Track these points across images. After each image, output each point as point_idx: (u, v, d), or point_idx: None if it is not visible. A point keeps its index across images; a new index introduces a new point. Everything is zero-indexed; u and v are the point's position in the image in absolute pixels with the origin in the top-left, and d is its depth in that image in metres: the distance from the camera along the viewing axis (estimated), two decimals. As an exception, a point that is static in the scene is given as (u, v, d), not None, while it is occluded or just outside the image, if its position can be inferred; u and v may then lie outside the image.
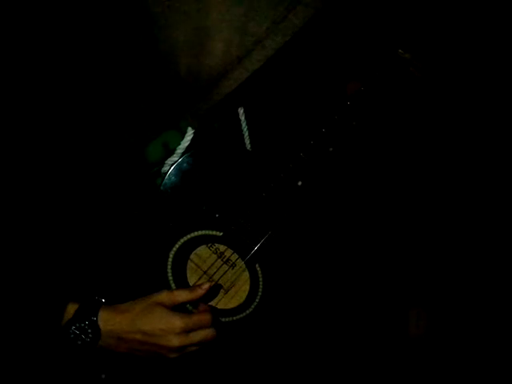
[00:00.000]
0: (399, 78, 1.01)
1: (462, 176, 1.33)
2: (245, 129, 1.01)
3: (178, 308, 0.91)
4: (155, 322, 0.86)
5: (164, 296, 0.89)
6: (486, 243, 1.27)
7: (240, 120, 0.99)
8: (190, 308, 0.95)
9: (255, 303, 1.03)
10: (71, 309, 0.86)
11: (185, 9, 0.70)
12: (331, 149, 1.00)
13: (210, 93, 0.81)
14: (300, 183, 0.99)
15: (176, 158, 0.93)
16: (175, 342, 0.86)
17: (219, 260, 1.02)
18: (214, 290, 1.00)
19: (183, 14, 0.69)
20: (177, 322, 0.86)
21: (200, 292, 0.91)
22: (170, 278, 0.99)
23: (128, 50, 0.79)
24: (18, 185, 0.87)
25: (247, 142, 1.00)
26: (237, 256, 1.02)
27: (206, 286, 0.92)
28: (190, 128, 0.93)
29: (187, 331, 0.87)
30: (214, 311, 0.96)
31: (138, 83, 0.85)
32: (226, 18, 0.70)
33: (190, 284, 1.00)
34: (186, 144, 0.92)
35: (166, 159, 0.95)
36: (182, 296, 0.90)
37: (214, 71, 0.74)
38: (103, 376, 0.96)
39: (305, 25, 0.72)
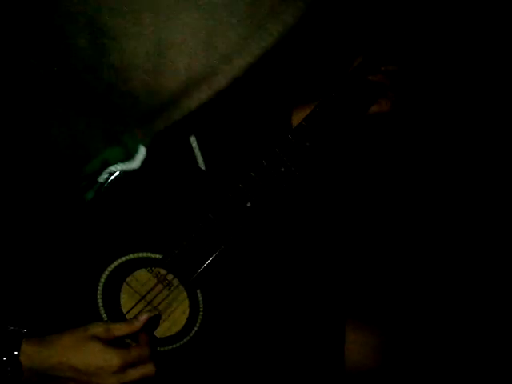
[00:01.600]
0: (361, 96, 0.98)
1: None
2: (196, 147, 0.95)
3: (114, 340, 0.82)
4: (89, 357, 0.76)
5: (99, 329, 0.79)
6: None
7: (189, 139, 0.92)
8: (128, 341, 0.86)
9: (194, 331, 0.96)
10: None
11: (145, 21, 0.62)
12: (283, 169, 0.95)
13: (168, 111, 0.74)
14: (249, 204, 0.94)
15: (115, 169, 0.84)
16: (112, 380, 0.77)
17: (160, 284, 0.94)
18: (153, 318, 0.92)
19: (142, 26, 0.61)
20: (114, 359, 0.77)
21: (137, 325, 0.83)
22: (100, 303, 0.90)
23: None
24: None
25: (200, 160, 0.93)
26: (177, 281, 0.95)
27: (144, 317, 0.84)
28: (141, 146, 0.84)
29: (125, 368, 0.79)
30: (153, 341, 0.88)
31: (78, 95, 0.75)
32: (193, 32, 0.64)
33: (124, 309, 0.92)
34: (139, 162, 0.83)
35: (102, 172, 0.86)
36: (119, 330, 0.81)
37: (175, 87, 0.67)
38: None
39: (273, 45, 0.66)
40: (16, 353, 0.75)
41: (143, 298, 0.93)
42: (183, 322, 0.96)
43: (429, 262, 1.38)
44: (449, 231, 1.41)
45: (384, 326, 1.11)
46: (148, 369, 0.81)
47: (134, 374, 0.79)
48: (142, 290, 0.94)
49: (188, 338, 0.95)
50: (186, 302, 0.96)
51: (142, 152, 0.81)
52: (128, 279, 0.92)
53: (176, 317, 0.96)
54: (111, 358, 0.77)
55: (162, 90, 0.70)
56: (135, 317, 0.85)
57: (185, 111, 0.70)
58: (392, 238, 1.37)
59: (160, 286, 0.94)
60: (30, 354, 0.76)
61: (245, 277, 1.01)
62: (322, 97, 0.97)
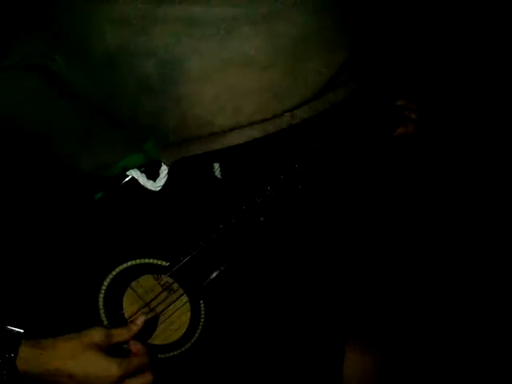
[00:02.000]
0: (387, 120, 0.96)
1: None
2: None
3: (112, 347, 0.80)
4: (89, 366, 0.74)
5: (100, 336, 0.78)
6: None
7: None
8: (126, 346, 0.84)
9: (195, 338, 0.94)
10: None
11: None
12: (300, 186, 0.93)
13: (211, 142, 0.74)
14: (262, 219, 0.91)
15: (135, 175, 0.81)
16: None
17: (164, 292, 0.92)
18: (152, 324, 0.90)
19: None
20: (114, 368, 0.75)
21: (135, 328, 0.82)
22: (101, 306, 0.88)
23: None
24: None
25: (216, 168, 0.90)
26: (181, 290, 0.92)
27: (141, 319, 0.83)
28: (164, 167, 0.84)
29: (124, 378, 0.77)
30: (152, 349, 0.86)
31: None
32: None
33: (126, 314, 0.89)
34: (162, 182, 0.81)
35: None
36: (119, 336, 0.80)
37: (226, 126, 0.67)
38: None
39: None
40: (12, 355, 0.73)
41: (147, 304, 0.91)
42: (184, 330, 0.94)
43: (430, 278, 1.37)
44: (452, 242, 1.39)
45: (382, 347, 1.10)
46: (146, 378, 0.80)
47: (133, 383, 0.78)
48: (147, 296, 0.91)
49: (189, 344, 0.93)
50: (188, 310, 0.94)
51: (164, 173, 0.80)
52: (133, 284, 0.90)
53: (177, 324, 0.94)
54: (111, 368, 0.75)
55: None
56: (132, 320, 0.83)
57: (225, 144, 0.70)
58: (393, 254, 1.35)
59: (164, 294, 0.92)
60: (28, 357, 0.73)
61: (247, 288, 0.99)
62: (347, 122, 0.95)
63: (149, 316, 0.89)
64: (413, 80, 0.97)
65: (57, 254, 0.84)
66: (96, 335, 0.77)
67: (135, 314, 0.89)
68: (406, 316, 1.27)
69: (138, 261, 0.88)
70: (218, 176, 0.93)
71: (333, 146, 0.93)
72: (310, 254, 1.07)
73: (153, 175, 0.82)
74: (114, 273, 0.87)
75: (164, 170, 0.81)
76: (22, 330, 0.75)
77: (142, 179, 0.80)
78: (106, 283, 0.87)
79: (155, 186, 0.81)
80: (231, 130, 0.71)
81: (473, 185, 1.33)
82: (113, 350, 0.80)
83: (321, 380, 1.04)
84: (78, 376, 0.74)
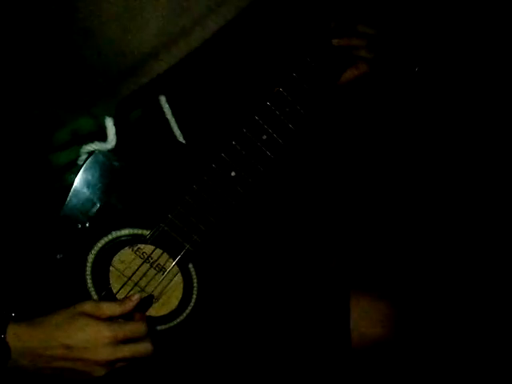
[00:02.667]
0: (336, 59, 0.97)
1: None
2: (171, 118, 0.93)
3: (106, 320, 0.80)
4: (79, 332, 0.74)
5: (89, 306, 0.78)
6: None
7: (163, 108, 0.90)
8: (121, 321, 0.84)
9: (190, 308, 0.94)
10: None
11: None
12: (265, 137, 0.94)
13: (135, 75, 0.72)
14: (233, 173, 0.92)
15: (92, 148, 0.82)
16: (103, 354, 0.74)
17: (146, 264, 0.92)
18: (145, 299, 0.89)
19: None
20: (104, 330, 0.75)
21: (130, 304, 0.80)
22: (90, 286, 0.88)
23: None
24: None
25: (177, 132, 0.92)
26: (166, 257, 0.92)
27: (136, 296, 0.82)
28: (108, 120, 0.83)
29: (117, 342, 0.76)
30: (149, 320, 0.86)
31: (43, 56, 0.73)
32: None
33: (114, 290, 0.89)
34: (112, 134, 0.81)
35: (78, 147, 0.84)
36: (109, 309, 0.79)
37: (144, 49, 0.66)
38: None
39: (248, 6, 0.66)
40: (2, 336, 0.72)
41: (129, 279, 0.91)
42: (176, 303, 0.93)
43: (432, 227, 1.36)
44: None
45: (388, 294, 1.08)
46: (143, 347, 0.79)
47: (127, 349, 0.77)
48: (128, 271, 0.91)
49: (182, 316, 0.92)
50: (181, 284, 0.94)
51: (111, 126, 0.80)
52: (113, 260, 0.90)
53: (169, 297, 0.94)
54: (101, 331, 0.75)
55: (130, 51, 0.69)
56: (127, 297, 0.83)
57: (153, 74, 0.69)
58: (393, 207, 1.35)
59: (146, 266, 0.92)
60: (18, 335, 0.73)
61: (240, 252, 0.99)
62: (297, 63, 0.96)
63: (144, 295, 0.88)
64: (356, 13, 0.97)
65: (38, 237, 0.84)
66: (85, 305, 0.78)
67: (121, 288, 0.89)
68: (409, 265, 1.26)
69: (116, 233, 0.89)
70: (181, 140, 0.94)
71: (288, 92, 0.94)
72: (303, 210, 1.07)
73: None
74: (96, 248, 0.87)
75: (111, 127, 0.81)
76: (11, 313, 0.76)
77: (94, 145, 0.81)
78: (90, 260, 0.87)
79: (108, 144, 0.81)
80: (147, 57, 0.68)
81: (472, 182, 1.34)
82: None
83: (329, 331, 1.02)
84: (69, 344, 0.74)
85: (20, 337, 0.73)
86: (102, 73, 0.74)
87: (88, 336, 0.74)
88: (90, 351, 0.74)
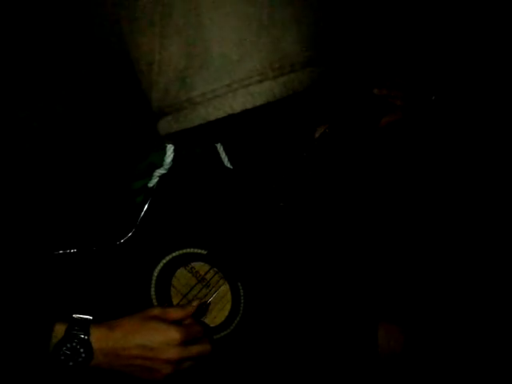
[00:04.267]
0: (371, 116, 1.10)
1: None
2: (221, 148, 1.05)
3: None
4: (153, 334, 0.84)
5: (158, 311, 0.88)
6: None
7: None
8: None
9: (236, 322, 1.04)
10: (59, 329, 0.82)
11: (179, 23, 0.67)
12: (310, 172, 1.06)
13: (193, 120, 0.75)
14: (282, 204, 1.04)
15: (163, 171, 0.94)
16: (174, 354, 0.84)
17: (199, 284, 1.02)
18: (201, 308, 0.99)
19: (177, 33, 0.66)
20: (175, 333, 0.85)
21: (190, 309, 0.91)
22: (154, 299, 0.98)
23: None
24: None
25: (225, 160, 1.03)
26: (218, 277, 1.03)
27: (196, 303, 0.92)
28: (169, 145, 0.95)
29: (185, 343, 0.86)
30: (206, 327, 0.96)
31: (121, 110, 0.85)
32: (227, 39, 0.67)
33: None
34: (169, 159, 0.93)
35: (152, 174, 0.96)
36: (174, 313, 0.89)
37: (196, 97, 0.70)
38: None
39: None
40: (86, 337, 0.83)
41: (184, 296, 1.01)
42: (224, 316, 1.03)
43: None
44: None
45: (411, 327, 1.18)
46: (205, 347, 0.89)
47: (193, 349, 0.87)
48: (183, 289, 1.01)
49: (233, 326, 1.02)
50: (230, 300, 1.04)
51: (170, 149, 0.92)
52: (173, 278, 1.00)
53: (216, 312, 1.04)
54: (172, 333, 0.85)
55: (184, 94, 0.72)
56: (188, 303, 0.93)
57: (209, 119, 0.72)
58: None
59: (199, 286, 1.03)
60: (100, 336, 0.83)
61: (283, 271, 1.09)
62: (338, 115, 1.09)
63: (202, 301, 0.98)
64: (393, 68, 1.11)
65: (108, 252, 0.95)
66: (155, 310, 0.88)
67: (178, 304, 0.99)
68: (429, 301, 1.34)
69: (177, 252, 0.99)
70: (228, 166, 1.05)
71: (333, 134, 1.07)
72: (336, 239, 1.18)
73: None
74: (161, 264, 0.97)
75: (170, 148, 0.93)
76: (90, 317, 0.86)
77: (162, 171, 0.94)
78: (155, 275, 0.97)
79: (167, 162, 0.94)
80: (225, 93, 0.70)
81: (472, 182, 1.41)
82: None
83: (358, 357, 1.13)
84: (144, 344, 0.84)
85: (101, 338, 0.83)
86: (168, 105, 0.82)
87: (160, 337, 0.84)
88: (161, 351, 0.84)
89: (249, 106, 0.70)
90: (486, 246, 1.37)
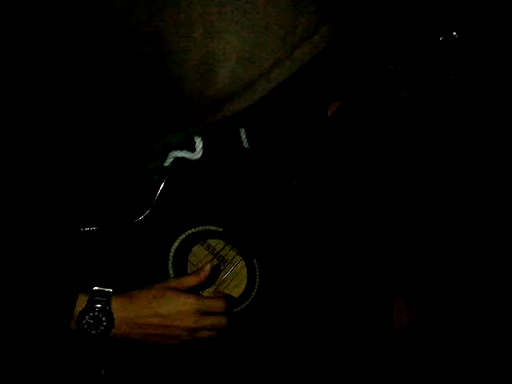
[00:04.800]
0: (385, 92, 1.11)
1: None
2: (242, 131, 1.07)
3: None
4: (170, 303, 0.88)
5: (173, 281, 0.92)
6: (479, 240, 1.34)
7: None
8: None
9: (251, 298, 1.06)
10: (83, 299, 0.86)
11: (194, 35, 0.73)
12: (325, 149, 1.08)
13: (217, 110, 0.81)
14: (295, 182, 1.06)
15: (180, 154, 0.97)
16: (190, 322, 0.88)
17: (215, 260, 1.05)
18: (215, 269, 1.02)
19: (192, 40, 0.72)
20: (192, 302, 0.89)
21: (203, 274, 0.93)
22: (172, 274, 1.01)
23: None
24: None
25: (244, 141, 1.06)
26: (234, 253, 1.06)
27: (208, 267, 0.94)
28: (198, 139, 0.98)
29: (201, 313, 0.90)
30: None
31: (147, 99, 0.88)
32: (234, 48, 0.73)
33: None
34: (200, 147, 0.97)
35: (167, 154, 0.99)
36: (188, 281, 0.93)
37: (220, 95, 0.76)
38: (103, 372, 0.96)
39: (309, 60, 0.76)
40: (107, 307, 0.86)
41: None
42: (240, 292, 1.06)
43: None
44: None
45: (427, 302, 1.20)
46: (220, 319, 0.92)
47: (210, 319, 0.91)
48: (200, 265, 1.04)
49: (247, 303, 1.05)
50: (245, 276, 1.07)
51: (199, 144, 0.95)
52: (190, 254, 1.04)
53: (232, 287, 1.07)
54: (190, 302, 0.89)
55: (206, 97, 0.79)
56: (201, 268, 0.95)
57: (230, 111, 0.78)
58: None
59: (215, 262, 1.05)
60: (120, 306, 0.87)
61: (298, 247, 1.12)
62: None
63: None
64: (409, 45, 1.12)
65: (125, 228, 0.98)
66: (170, 281, 0.92)
67: None
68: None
69: (194, 229, 1.02)
70: (246, 146, 1.08)
71: (348, 108, 1.08)
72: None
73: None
74: (178, 240, 1.01)
75: (199, 142, 0.97)
76: (110, 289, 0.90)
77: (183, 153, 0.96)
78: (172, 251, 1.00)
79: (195, 155, 0.97)
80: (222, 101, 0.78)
81: (472, 181, 1.41)
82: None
83: (373, 331, 1.15)
84: (163, 313, 0.88)
85: (121, 308, 0.87)
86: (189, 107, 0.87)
87: (178, 306, 0.88)
88: (179, 319, 0.88)
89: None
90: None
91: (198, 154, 0.99)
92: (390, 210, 1.22)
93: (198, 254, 1.05)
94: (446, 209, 1.31)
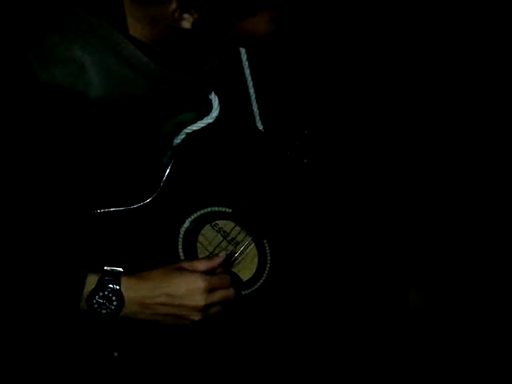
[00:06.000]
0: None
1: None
2: (256, 111, 1.05)
3: None
4: (180, 283, 0.88)
5: (184, 263, 0.92)
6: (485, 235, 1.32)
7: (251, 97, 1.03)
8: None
9: (263, 279, 1.05)
10: (92, 279, 0.85)
11: None
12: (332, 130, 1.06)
13: None
14: (306, 161, 1.04)
15: (196, 127, 0.96)
16: (200, 300, 0.88)
17: (224, 241, 1.04)
18: (228, 258, 1.01)
19: None
20: (201, 281, 0.88)
21: (218, 260, 0.93)
22: (182, 256, 1.00)
23: None
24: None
25: (258, 123, 1.04)
26: (244, 234, 1.05)
27: (223, 254, 0.95)
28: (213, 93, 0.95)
29: (210, 290, 0.89)
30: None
31: None
32: None
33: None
34: (216, 112, 0.95)
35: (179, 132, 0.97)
36: (202, 265, 0.92)
37: None
38: (116, 354, 0.95)
39: None
40: (117, 287, 0.85)
41: (211, 253, 1.03)
42: (252, 272, 1.05)
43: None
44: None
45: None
46: (229, 292, 0.92)
47: (218, 294, 0.90)
48: (210, 247, 1.03)
49: (258, 284, 1.04)
50: (256, 257, 1.06)
51: (215, 101, 0.94)
52: (199, 235, 1.02)
53: (244, 268, 1.05)
54: (199, 281, 0.88)
55: None
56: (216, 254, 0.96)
57: None
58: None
59: (225, 243, 1.04)
60: (130, 286, 0.86)
61: (308, 229, 1.11)
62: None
63: (228, 252, 1.00)
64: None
65: (134, 211, 0.97)
66: (181, 263, 0.92)
67: None
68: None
69: (205, 210, 1.01)
70: (260, 128, 1.06)
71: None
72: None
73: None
74: (187, 221, 1.00)
75: (215, 98, 0.94)
76: (121, 269, 0.89)
77: (197, 125, 0.95)
78: (182, 233, 0.99)
79: (212, 114, 0.95)
80: None
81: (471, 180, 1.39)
82: None
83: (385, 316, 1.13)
84: (172, 293, 0.87)
85: (131, 288, 0.86)
86: None
87: (187, 285, 0.88)
88: (189, 298, 0.87)
89: None
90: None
91: (215, 112, 0.96)
92: (400, 195, 1.20)
93: (208, 235, 1.04)
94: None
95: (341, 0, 1.12)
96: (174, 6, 0.74)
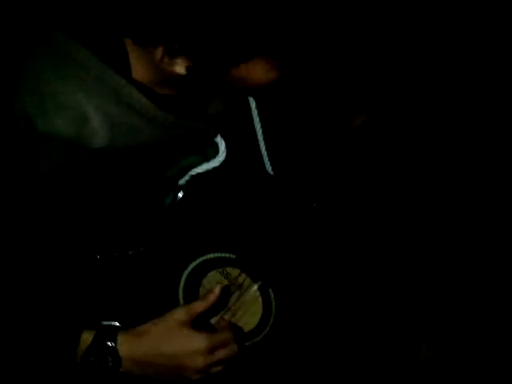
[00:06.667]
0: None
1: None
2: (265, 154, 1.00)
3: (198, 322, 0.88)
4: (179, 343, 0.83)
5: (181, 312, 0.86)
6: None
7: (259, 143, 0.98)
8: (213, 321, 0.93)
9: (266, 330, 1.00)
10: (87, 336, 0.81)
11: None
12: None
13: None
14: (315, 204, 1.00)
15: (200, 170, 0.91)
16: (201, 362, 0.83)
17: (232, 286, 0.99)
18: (224, 291, 0.95)
19: None
20: (202, 341, 0.84)
21: (213, 296, 0.88)
22: (182, 302, 0.95)
23: None
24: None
25: (267, 166, 0.99)
26: (250, 281, 1.00)
27: (217, 289, 0.89)
28: (222, 144, 0.91)
29: (212, 350, 0.85)
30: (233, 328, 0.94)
31: None
32: None
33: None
34: (223, 156, 0.90)
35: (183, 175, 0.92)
36: (198, 307, 0.87)
37: None
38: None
39: None
40: (113, 344, 0.80)
41: None
42: (256, 322, 1.00)
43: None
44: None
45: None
46: (231, 349, 0.87)
47: (220, 354, 0.85)
48: None
49: (265, 332, 0.99)
50: (261, 307, 1.01)
51: (222, 144, 0.89)
52: (203, 281, 0.97)
53: (249, 317, 1.00)
54: (199, 341, 0.83)
55: None
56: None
57: None
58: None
59: (232, 288, 0.99)
60: (126, 344, 0.81)
61: (316, 278, 1.05)
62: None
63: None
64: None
65: (136, 255, 0.92)
66: (178, 314, 0.85)
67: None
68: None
69: (208, 256, 0.96)
70: (270, 172, 1.01)
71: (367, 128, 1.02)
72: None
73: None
74: (189, 268, 0.95)
75: (221, 141, 0.90)
76: (117, 323, 0.84)
77: (201, 168, 0.90)
78: (183, 280, 0.94)
79: (219, 157, 0.90)
80: None
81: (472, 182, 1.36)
82: (201, 324, 0.88)
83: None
84: (171, 354, 0.83)
85: (128, 346, 0.81)
86: None
87: (188, 346, 0.83)
88: (189, 359, 0.83)
89: None
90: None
91: (221, 156, 0.91)
92: (418, 240, 1.15)
93: (213, 279, 0.98)
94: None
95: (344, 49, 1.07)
96: (160, 52, 0.69)
